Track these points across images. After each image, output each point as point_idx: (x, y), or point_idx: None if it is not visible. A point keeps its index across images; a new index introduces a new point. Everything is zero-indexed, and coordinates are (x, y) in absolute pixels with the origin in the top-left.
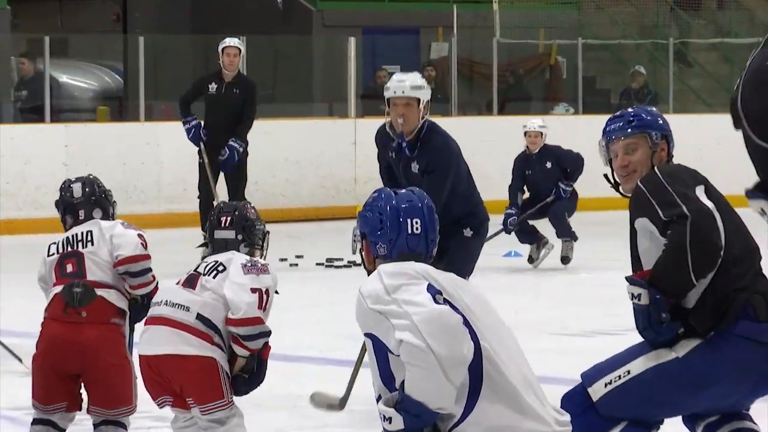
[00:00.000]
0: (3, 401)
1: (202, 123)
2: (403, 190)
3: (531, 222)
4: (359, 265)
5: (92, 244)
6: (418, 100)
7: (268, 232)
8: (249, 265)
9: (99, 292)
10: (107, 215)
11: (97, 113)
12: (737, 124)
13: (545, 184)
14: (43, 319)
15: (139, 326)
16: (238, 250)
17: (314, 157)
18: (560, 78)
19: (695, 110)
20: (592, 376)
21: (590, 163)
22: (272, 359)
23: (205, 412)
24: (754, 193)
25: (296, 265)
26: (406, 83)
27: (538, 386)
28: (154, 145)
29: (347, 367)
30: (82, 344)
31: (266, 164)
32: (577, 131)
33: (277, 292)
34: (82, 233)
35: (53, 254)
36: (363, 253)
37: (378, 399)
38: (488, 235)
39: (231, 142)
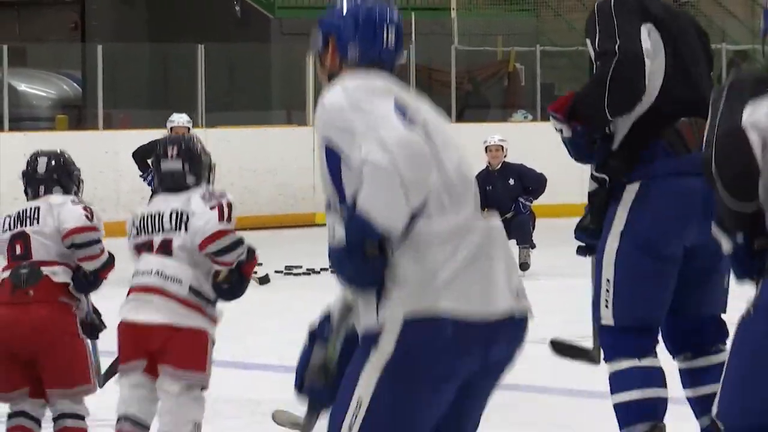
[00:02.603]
0: None
1: None
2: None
3: None
4: (318, 272)
5: (38, 222)
6: None
7: (214, 164)
8: (206, 195)
9: (45, 270)
10: (69, 193)
11: (56, 122)
12: (710, 182)
13: (506, 201)
14: None
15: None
16: (186, 182)
17: (272, 164)
18: (519, 85)
19: None
20: (595, 312)
21: (550, 171)
22: (230, 366)
23: (178, 377)
24: (716, 225)
25: (255, 272)
26: None
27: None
28: (113, 153)
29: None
30: (31, 323)
31: (224, 172)
32: (536, 138)
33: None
34: (30, 209)
35: (6, 230)
36: (323, 60)
37: (326, 207)
38: None
39: None
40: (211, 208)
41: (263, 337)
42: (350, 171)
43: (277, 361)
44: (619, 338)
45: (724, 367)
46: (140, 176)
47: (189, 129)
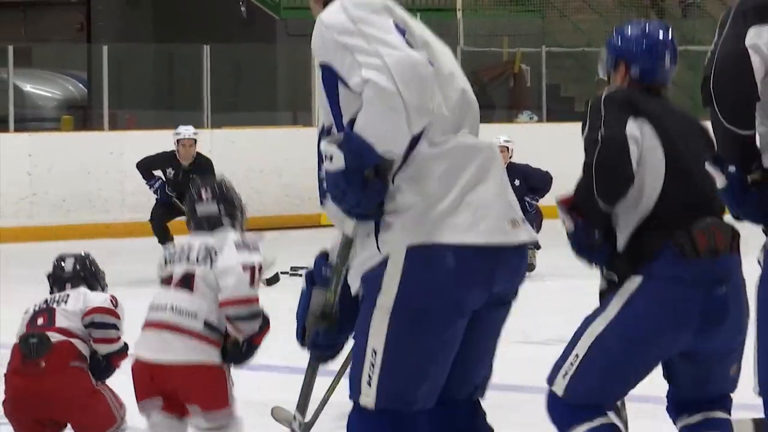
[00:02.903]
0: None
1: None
2: None
3: None
4: None
5: (65, 303)
6: None
7: (245, 206)
8: (241, 243)
9: (61, 337)
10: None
11: (61, 122)
12: (706, 103)
13: None
14: (6, 370)
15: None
16: (222, 224)
17: (278, 165)
18: (524, 86)
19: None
20: (551, 374)
21: (556, 172)
22: (236, 368)
23: (209, 419)
24: (709, 160)
25: (278, 273)
26: None
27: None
28: (118, 154)
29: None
30: (45, 395)
31: (230, 173)
32: (541, 139)
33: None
34: (60, 296)
35: (28, 311)
36: None
37: (321, 131)
38: None
39: None
40: (245, 268)
41: (269, 337)
42: (349, 92)
43: (282, 362)
44: (569, 411)
45: (756, 339)
46: (146, 184)
47: (195, 141)
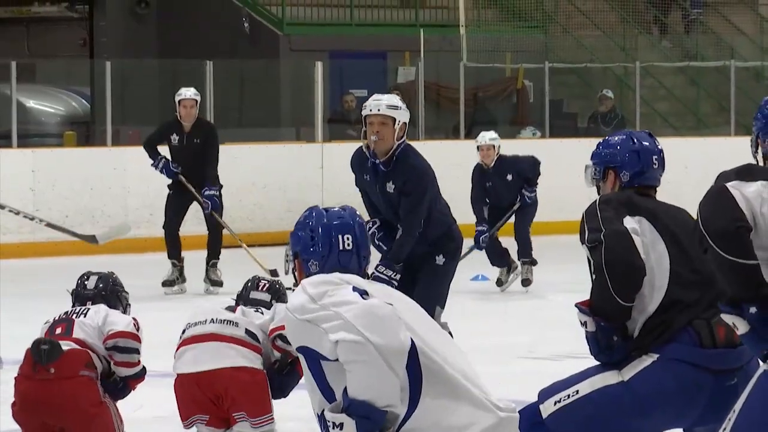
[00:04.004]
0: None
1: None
2: (335, 208)
3: (503, 244)
4: None
5: (84, 316)
6: (394, 119)
7: None
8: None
9: (75, 346)
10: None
11: (64, 138)
12: (704, 243)
13: (508, 196)
14: (17, 375)
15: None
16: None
17: (281, 181)
18: (527, 101)
19: (662, 134)
20: (545, 393)
21: (557, 188)
22: None
23: (256, 424)
24: (724, 307)
25: (275, 270)
26: (382, 102)
27: (477, 379)
28: (121, 170)
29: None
30: (53, 401)
31: (233, 188)
32: (544, 155)
33: None
34: (80, 309)
35: (48, 322)
36: (295, 272)
37: (319, 417)
38: (461, 255)
39: (206, 192)
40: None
41: None
42: (331, 364)
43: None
44: None
45: (738, 410)
46: (151, 165)
47: (197, 102)
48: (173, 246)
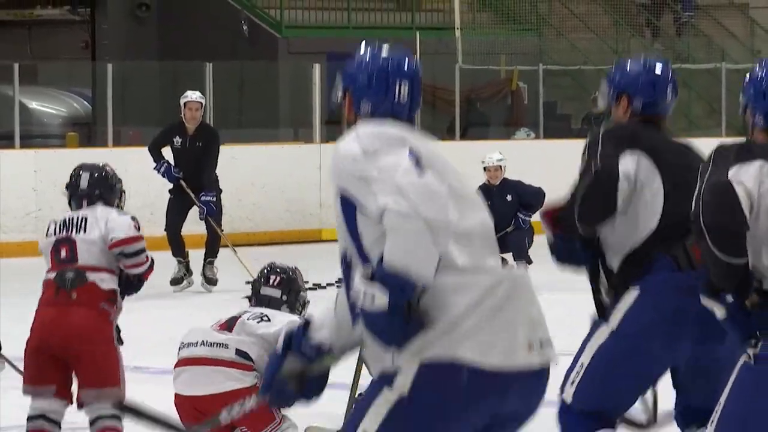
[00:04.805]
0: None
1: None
2: (394, 51)
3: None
4: (324, 287)
5: (84, 231)
6: None
7: (308, 301)
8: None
9: (90, 276)
10: (111, 206)
11: (66, 139)
12: (699, 238)
13: (505, 217)
14: (37, 306)
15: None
16: (279, 309)
17: (280, 181)
18: (521, 103)
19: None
20: (562, 383)
21: (551, 188)
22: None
23: None
24: (703, 292)
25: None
26: None
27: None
28: (122, 171)
29: (327, 389)
30: (70, 325)
31: (233, 188)
32: (538, 156)
33: None
34: (77, 218)
35: (51, 235)
36: (344, 106)
37: (342, 259)
38: None
39: (203, 198)
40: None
41: None
42: (366, 218)
43: None
44: (575, 419)
45: (719, 405)
46: (154, 168)
47: (202, 104)
48: (176, 245)
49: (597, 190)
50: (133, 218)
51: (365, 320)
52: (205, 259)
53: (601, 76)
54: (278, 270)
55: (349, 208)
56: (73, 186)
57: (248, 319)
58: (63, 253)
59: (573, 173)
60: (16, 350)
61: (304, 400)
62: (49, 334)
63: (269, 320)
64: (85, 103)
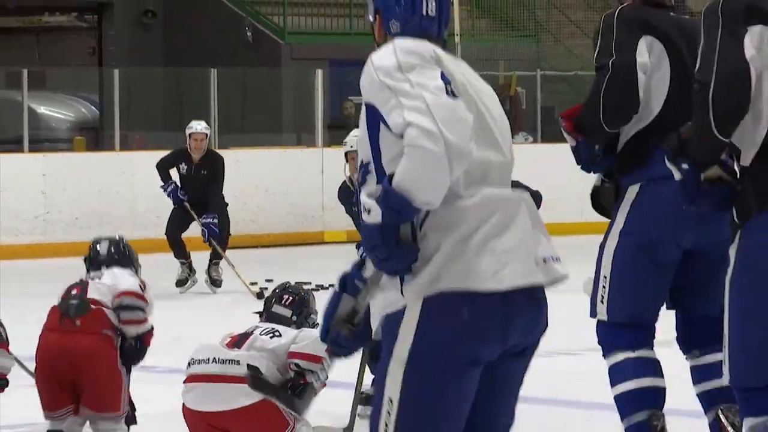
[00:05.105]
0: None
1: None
2: None
3: None
4: (326, 288)
5: (99, 279)
6: None
7: (318, 324)
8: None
9: (95, 307)
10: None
11: (74, 143)
12: (700, 107)
13: None
14: (41, 332)
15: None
16: (288, 327)
17: (283, 185)
18: (520, 108)
19: None
20: (591, 308)
21: (549, 191)
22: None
23: None
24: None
25: (266, 289)
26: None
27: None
28: (129, 174)
29: (332, 388)
30: (74, 351)
31: (237, 192)
32: (536, 159)
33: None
34: (94, 274)
35: (64, 288)
36: (375, 28)
37: (361, 164)
38: None
39: (204, 219)
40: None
41: None
42: (389, 133)
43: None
44: (613, 332)
45: (727, 332)
46: (160, 187)
47: (207, 135)
48: (178, 248)
49: (617, 87)
50: (142, 281)
51: (362, 233)
52: (210, 261)
53: None
54: (291, 291)
55: (374, 119)
56: (91, 255)
57: (260, 334)
58: (74, 293)
59: (570, 176)
60: (16, 351)
61: (355, 348)
62: (52, 360)
63: (280, 335)
64: (93, 107)
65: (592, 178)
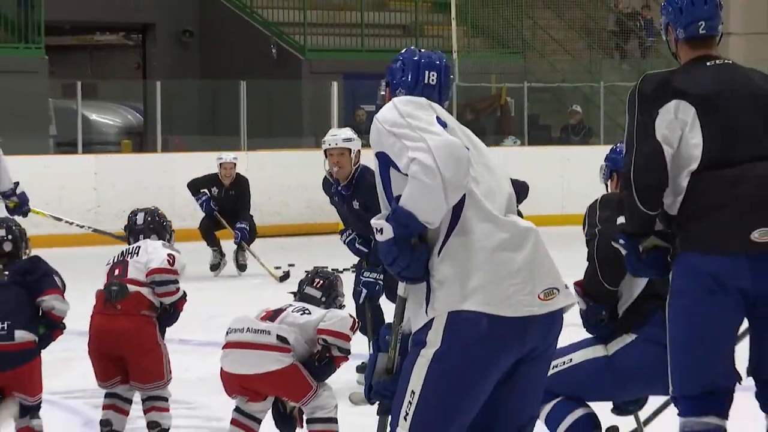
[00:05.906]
0: (68, 384)
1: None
2: (427, 51)
3: None
4: (341, 272)
5: (137, 255)
6: (350, 149)
7: (344, 305)
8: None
9: (135, 288)
10: (163, 239)
11: (122, 146)
12: (626, 186)
13: None
14: (91, 314)
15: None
16: (318, 307)
17: (303, 181)
18: (509, 115)
19: (623, 142)
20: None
21: (534, 186)
22: None
23: (305, 404)
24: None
25: (288, 272)
26: (339, 136)
27: (510, 206)
28: (169, 173)
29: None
30: (117, 332)
31: (263, 188)
32: (523, 159)
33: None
34: (132, 248)
35: (108, 264)
36: (386, 96)
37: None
38: None
39: (238, 225)
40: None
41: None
42: (399, 174)
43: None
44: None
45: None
46: (195, 198)
47: (235, 165)
48: (209, 238)
49: (607, 252)
50: (170, 255)
51: (380, 252)
52: (237, 249)
53: (577, 92)
54: (322, 275)
55: (385, 166)
56: (130, 225)
57: (292, 311)
58: (116, 272)
59: (553, 174)
60: (79, 326)
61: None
62: (100, 340)
63: (310, 313)
64: (138, 115)
65: (572, 177)
